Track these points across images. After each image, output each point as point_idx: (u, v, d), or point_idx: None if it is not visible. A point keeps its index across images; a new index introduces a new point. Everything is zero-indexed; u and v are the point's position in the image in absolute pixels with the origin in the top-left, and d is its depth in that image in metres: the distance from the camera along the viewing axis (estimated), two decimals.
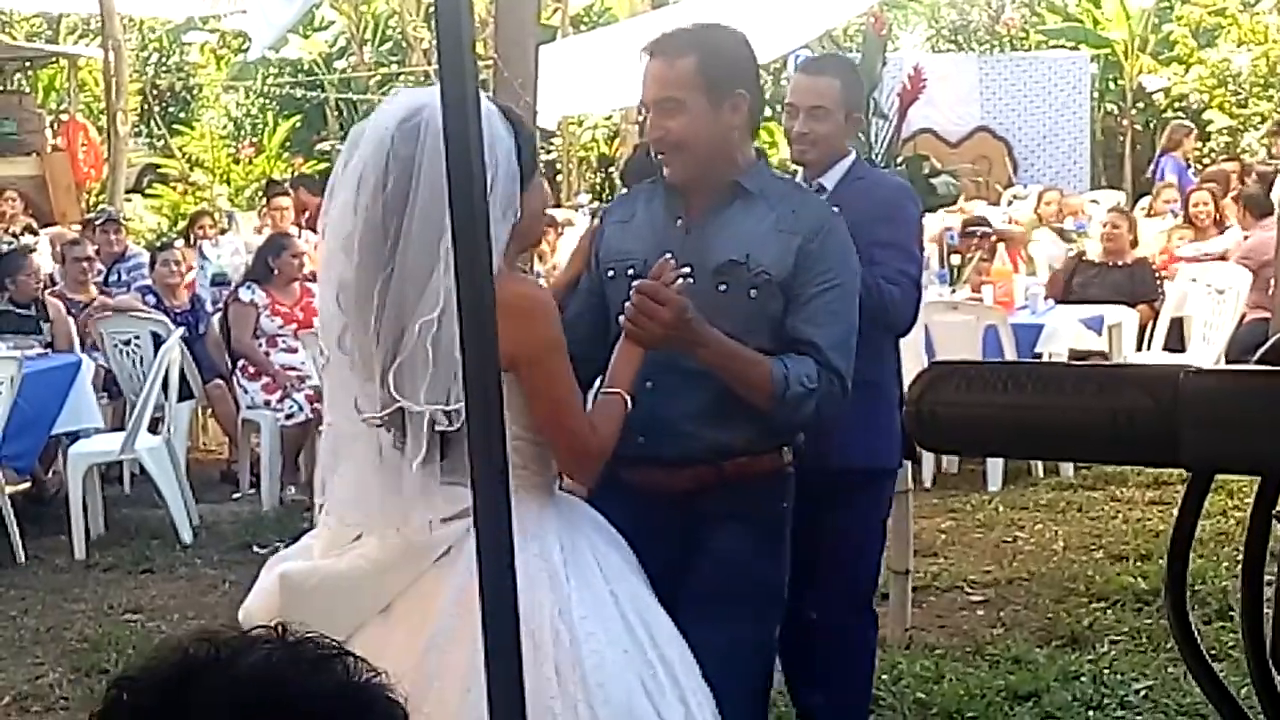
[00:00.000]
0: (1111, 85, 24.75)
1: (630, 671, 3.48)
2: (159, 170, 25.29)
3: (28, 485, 9.95)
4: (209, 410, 11.36)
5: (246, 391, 10.37)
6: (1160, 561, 6.98)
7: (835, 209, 4.14)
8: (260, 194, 21.77)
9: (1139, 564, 7.78)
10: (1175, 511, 2.17)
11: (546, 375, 3.50)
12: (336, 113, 25.82)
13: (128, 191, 21.75)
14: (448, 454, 3.50)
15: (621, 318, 3.73)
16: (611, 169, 26.47)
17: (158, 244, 14.60)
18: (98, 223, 14.01)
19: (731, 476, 3.99)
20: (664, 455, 3.99)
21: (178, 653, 1.78)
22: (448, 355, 3.30)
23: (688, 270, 3.75)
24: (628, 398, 3.67)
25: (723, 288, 3.88)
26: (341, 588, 3.56)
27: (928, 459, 9.70)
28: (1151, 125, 24.08)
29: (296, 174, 21.58)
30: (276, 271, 10.56)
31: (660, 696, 3.49)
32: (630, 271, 3.96)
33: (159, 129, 26.59)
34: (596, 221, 4.31)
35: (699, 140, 3.92)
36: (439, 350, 3.34)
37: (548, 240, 14.81)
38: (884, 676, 6.13)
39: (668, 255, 3.81)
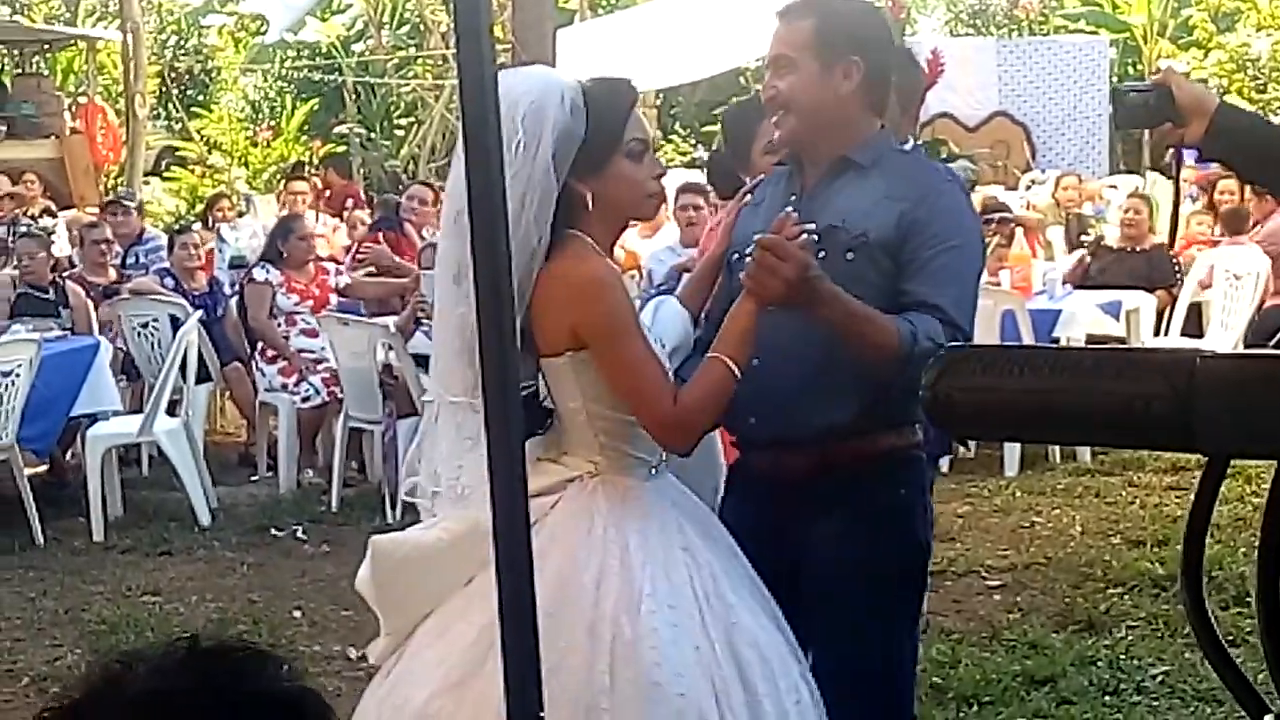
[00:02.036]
0: (1131, 69, 24.67)
1: (700, 671, 3.42)
2: (177, 153, 25.31)
3: (46, 467, 9.98)
4: (227, 393, 11.38)
5: (264, 374, 10.38)
6: (1177, 547, 6.97)
7: (951, 178, 4.01)
8: (279, 177, 21.78)
9: (1156, 549, 7.77)
10: (1192, 497, 2.17)
11: (617, 351, 3.49)
12: (354, 96, 25.79)
13: (146, 174, 21.80)
14: (542, 430, 3.61)
15: (742, 274, 3.63)
16: None
17: (176, 227, 14.63)
18: (112, 204, 14.04)
19: (835, 461, 3.84)
20: (774, 437, 3.91)
21: (91, 675, 1.78)
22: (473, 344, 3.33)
23: (813, 226, 3.67)
24: (731, 362, 3.54)
25: (822, 254, 3.72)
26: (426, 559, 3.62)
27: (947, 453, 9.69)
28: None
29: (325, 155, 21.61)
30: (286, 254, 10.55)
31: (726, 699, 3.42)
32: (750, 255, 3.91)
33: (177, 112, 26.61)
34: (746, 199, 4.21)
35: (805, 101, 3.83)
36: (466, 338, 3.38)
37: None
38: None
39: (789, 210, 3.73)
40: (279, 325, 10.42)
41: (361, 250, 11.59)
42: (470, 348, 3.39)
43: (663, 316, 4.01)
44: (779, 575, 3.78)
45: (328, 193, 16.89)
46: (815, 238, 3.68)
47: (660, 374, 3.54)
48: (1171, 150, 3.56)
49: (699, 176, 15.27)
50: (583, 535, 3.49)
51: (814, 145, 3.92)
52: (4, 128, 21.07)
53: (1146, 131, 22.69)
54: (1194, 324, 11.57)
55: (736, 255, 3.95)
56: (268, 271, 10.55)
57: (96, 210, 15.39)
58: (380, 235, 11.85)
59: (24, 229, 13.84)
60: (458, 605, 3.54)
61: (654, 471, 3.64)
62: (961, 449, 10.01)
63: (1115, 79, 22.84)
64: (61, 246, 13.84)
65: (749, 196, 4.18)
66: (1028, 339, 9.57)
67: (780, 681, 3.52)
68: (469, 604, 3.51)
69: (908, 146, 5.08)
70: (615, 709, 3.33)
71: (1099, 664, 6.31)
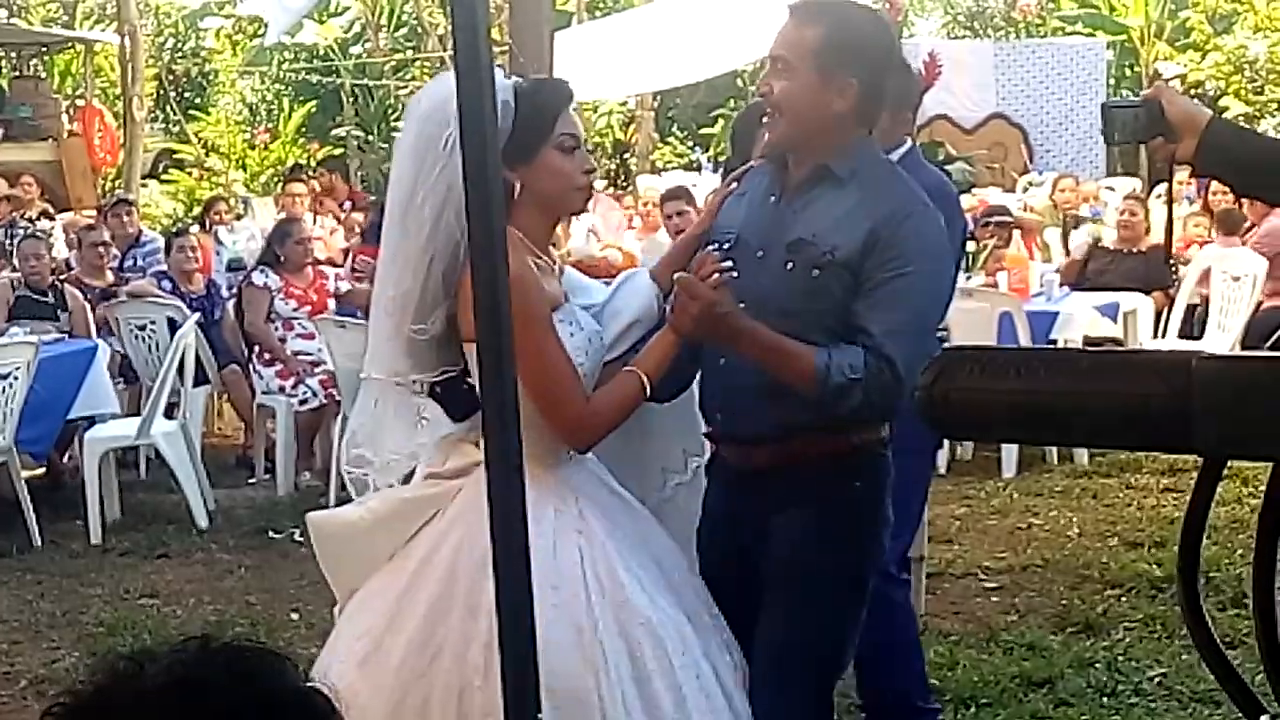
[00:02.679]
0: (1128, 72, 24.71)
1: (579, 653, 3.59)
2: (175, 156, 25.32)
3: (44, 470, 9.99)
4: (224, 396, 11.38)
5: (262, 377, 10.38)
6: (1174, 548, 6.97)
7: (927, 203, 3.96)
8: (276, 180, 21.79)
9: (1153, 551, 7.77)
10: (1189, 498, 2.17)
11: (522, 347, 3.53)
12: (352, 98, 25.81)
13: (143, 177, 21.79)
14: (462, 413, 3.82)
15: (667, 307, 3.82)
16: (626, 155, 26.46)
17: (173, 230, 14.62)
18: (110, 207, 14.04)
19: (800, 455, 3.90)
20: (739, 433, 3.99)
21: (100, 674, 1.78)
22: (399, 332, 3.75)
23: (729, 265, 3.77)
24: (646, 378, 3.76)
25: (790, 265, 3.80)
26: (350, 535, 3.92)
27: (942, 445, 9.70)
28: None
29: (324, 157, 21.62)
30: (283, 258, 10.56)
31: (608, 678, 3.58)
32: (726, 246, 3.94)
33: (175, 114, 26.62)
34: (732, 186, 4.23)
35: (796, 110, 3.84)
36: (397, 326, 3.75)
37: (562, 225, 14.81)
38: None
39: (713, 248, 3.90)
40: (276, 329, 10.42)
41: (357, 263, 11.59)
42: (400, 332, 3.75)
43: (626, 289, 4.13)
44: (740, 558, 4.00)
45: (330, 195, 16.91)
46: (735, 274, 3.78)
47: (569, 373, 3.73)
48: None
49: (695, 179, 15.27)
50: (475, 520, 3.58)
51: (798, 150, 3.93)
52: (1, 130, 21.09)
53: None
54: (1191, 325, 11.57)
55: (713, 244, 3.99)
56: (266, 276, 10.54)
57: (94, 212, 15.39)
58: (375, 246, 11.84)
59: (22, 231, 13.87)
60: (376, 581, 3.81)
61: (569, 456, 3.83)
62: (959, 451, 10.03)
63: (1112, 81, 22.90)
64: (59, 249, 13.84)
65: (735, 185, 4.20)
66: (1025, 341, 9.57)
67: (675, 659, 3.67)
68: (386, 580, 3.78)
69: (900, 152, 5.11)
70: (487, 688, 3.44)
71: (1097, 665, 6.31)
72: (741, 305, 3.77)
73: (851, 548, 3.95)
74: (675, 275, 3.78)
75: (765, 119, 3.99)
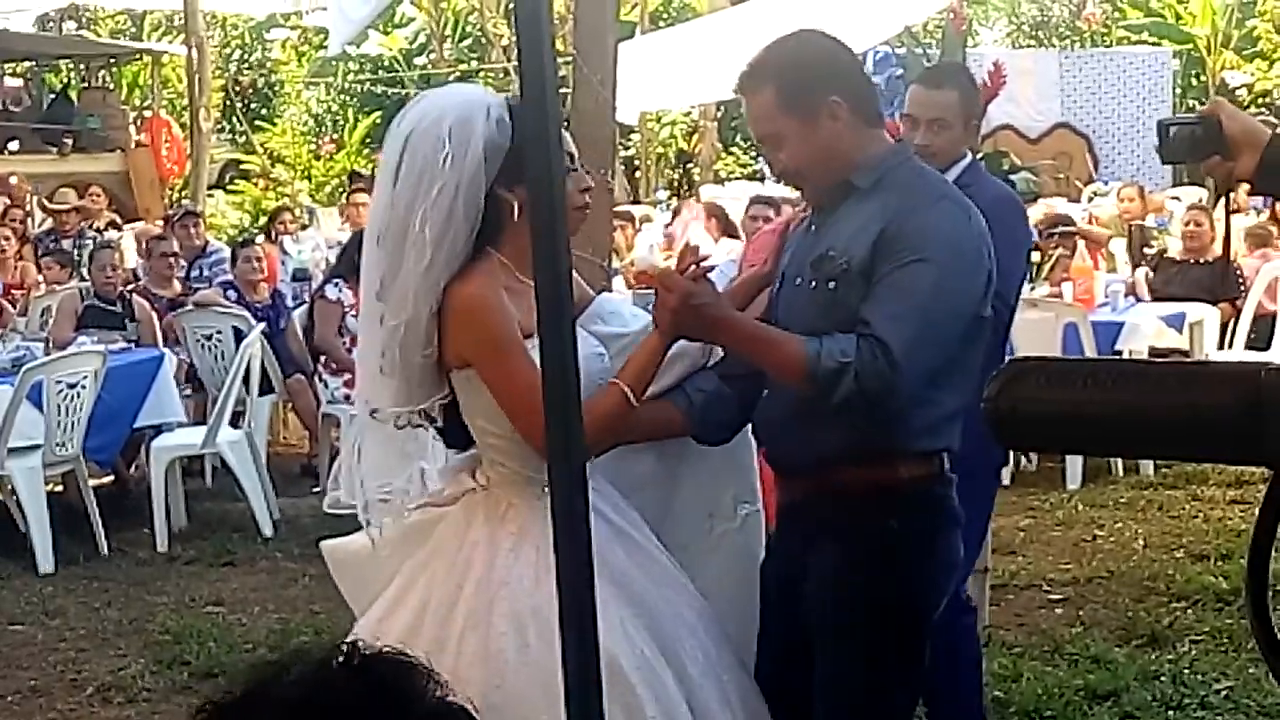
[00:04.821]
0: (1194, 81, 24.56)
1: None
2: (241, 166, 25.50)
3: (111, 478, 10.06)
4: (290, 404, 11.41)
5: (327, 386, 10.42)
6: (1241, 561, 6.92)
7: (946, 196, 3.83)
8: (341, 190, 21.88)
9: (1220, 563, 7.71)
10: (1257, 510, 2.16)
11: (498, 370, 3.55)
12: None
13: (210, 187, 21.94)
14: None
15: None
16: (690, 164, 26.46)
17: (239, 240, 14.71)
18: (177, 218, 14.14)
19: (833, 487, 3.76)
20: (779, 464, 3.91)
21: (252, 676, 1.80)
22: (407, 362, 3.62)
23: (709, 258, 3.77)
24: (628, 390, 3.61)
25: (813, 284, 3.72)
26: (358, 562, 3.95)
27: (1007, 462, 9.66)
28: None
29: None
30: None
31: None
32: (779, 286, 3.89)
33: (241, 125, 26.81)
34: (801, 218, 4.17)
35: (807, 162, 3.77)
36: (402, 355, 3.62)
37: (624, 234, 14.80)
38: None
39: (694, 243, 3.85)
40: (344, 344, 10.46)
41: None
42: (408, 361, 3.62)
43: None
44: (781, 593, 3.86)
45: None
46: (715, 267, 3.79)
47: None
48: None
49: (761, 189, 15.24)
50: (453, 550, 3.62)
51: (828, 184, 3.83)
52: (70, 141, 21.26)
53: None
54: (1259, 336, 11.47)
55: (781, 281, 3.93)
56: (340, 290, 10.56)
57: (161, 223, 15.50)
58: None
59: (90, 241, 13.99)
60: (374, 608, 3.78)
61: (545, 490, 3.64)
62: (1023, 462, 9.98)
63: (1179, 90, 22.75)
64: (130, 259, 13.93)
65: (802, 222, 4.13)
66: (1090, 352, 9.52)
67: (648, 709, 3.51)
68: (375, 608, 3.76)
69: (960, 167, 5.09)
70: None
71: (1162, 678, 6.27)
72: None
73: (888, 587, 3.74)
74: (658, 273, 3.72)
75: (796, 191, 3.99)
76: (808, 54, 3.85)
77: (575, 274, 3.37)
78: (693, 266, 3.67)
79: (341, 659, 1.80)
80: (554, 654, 3.22)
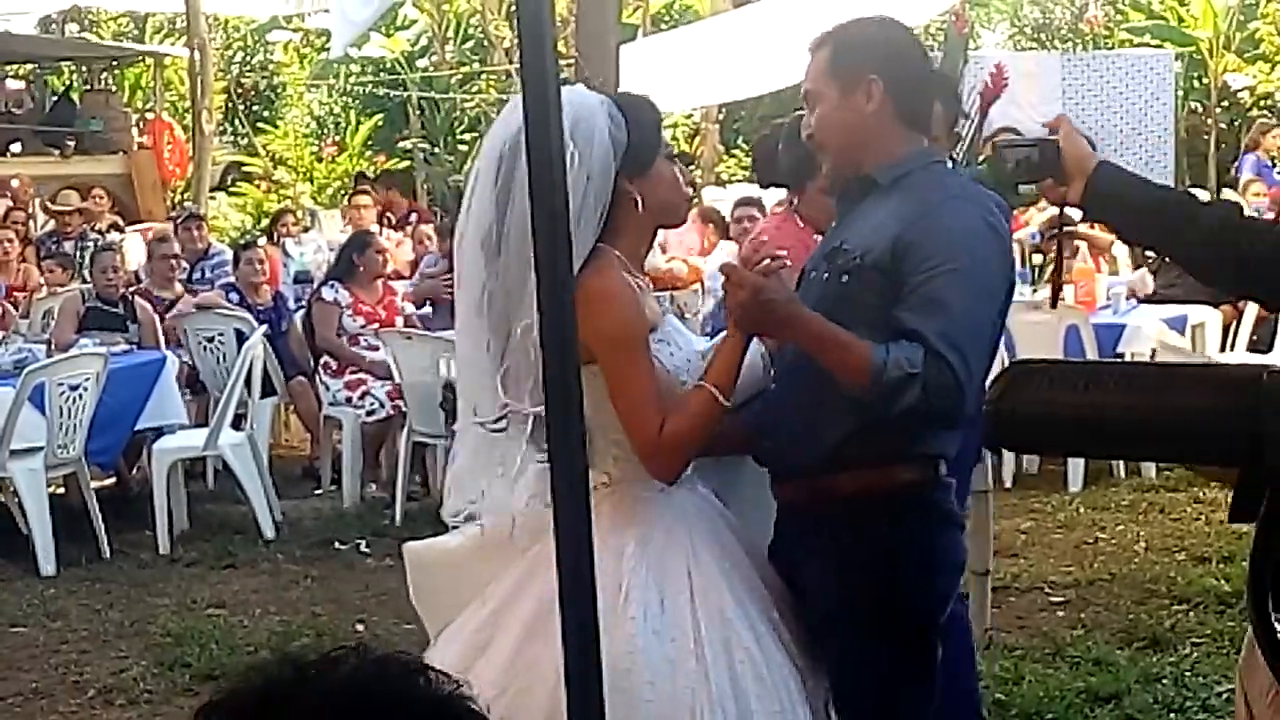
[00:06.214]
0: (1196, 84, 24.50)
1: (683, 679, 3.49)
2: (243, 168, 25.47)
3: (113, 480, 10.07)
4: (291, 407, 11.42)
5: (328, 388, 10.43)
6: (1243, 563, 6.93)
7: (955, 194, 3.81)
8: (343, 193, 21.89)
9: (1221, 565, 7.71)
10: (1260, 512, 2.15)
11: (616, 367, 3.56)
12: (418, 111, 25.86)
13: (212, 189, 21.92)
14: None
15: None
16: (692, 166, 26.45)
17: (241, 242, 14.71)
18: (180, 220, 14.14)
19: (825, 491, 3.75)
20: (784, 462, 3.88)
21: (259, 676, 1.79)
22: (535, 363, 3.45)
23: (783, 253, 3.71)
24: (715, 390, 3.61)
25: (826, 276, 3.75)
26: (451, 564, 3.86)
27: (1008, 459, 9.66)
28: (1236, 124, 23.81)
29: (381, 170, 21.69)
30: (361, 269, 10.62)
31: (710, 708, 3.48)
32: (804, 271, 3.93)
33: (243, 127, 26.78)
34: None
35: (831, 131, 3.84)
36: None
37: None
38: None
39: (761, 237, 3.89)
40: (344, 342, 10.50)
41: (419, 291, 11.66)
42: (525, 367, 3.56)
43: None
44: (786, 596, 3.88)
45: (390, 210, 16.96)
46: (787, 263, 3.71)
47: (651, 399, 3.59)
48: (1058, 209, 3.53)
49: (760, 191, 15.22)
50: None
51: (847, 170, 3.88)
52: (73, 143, 21.24)
53: (1212, 144, 22.60)
54: (1260, 339, 11.46)
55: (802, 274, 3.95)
56: (336, 291, 10.59)
57: (170, 223, 15.50)
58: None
59: (92, 243, 14.00)
60: (468, 613, 3.73)
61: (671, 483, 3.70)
62: (1025, 464, 9.98)
63: (1181, 92, 22.72)
64: (136, 259, 13.93)
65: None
66: (1092, 354, 9.52)
67: (774, 703, 3.56)
68: (477, 611, 3.71)
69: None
70: None
71: (1164, 681, 6.27)
72: None
73: (887, 591, 3.72)
74: (719, 265, 3.75)
75: (819, 159, 3.99)
76: (874, 33, 3.94)
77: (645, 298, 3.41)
78: (765, 261, 3.66)
79: (345, 659, 1.81)
80: (688, 639, 3.49)
